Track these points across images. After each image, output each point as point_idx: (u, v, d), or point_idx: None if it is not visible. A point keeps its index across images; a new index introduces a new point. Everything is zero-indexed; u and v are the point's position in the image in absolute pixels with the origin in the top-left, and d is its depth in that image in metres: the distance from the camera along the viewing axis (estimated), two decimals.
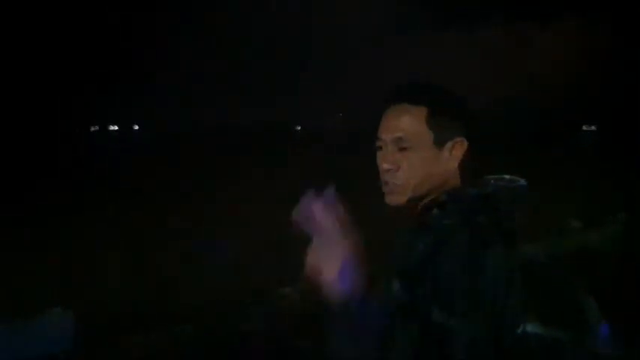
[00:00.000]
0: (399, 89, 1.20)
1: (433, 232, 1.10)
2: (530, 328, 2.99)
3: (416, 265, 1.08)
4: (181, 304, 4.85)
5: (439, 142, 1.16)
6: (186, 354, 3.87)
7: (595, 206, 8.78)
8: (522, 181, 1.19)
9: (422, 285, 1.04)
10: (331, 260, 1.07)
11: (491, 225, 1.10)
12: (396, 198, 1.18)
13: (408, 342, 1.08)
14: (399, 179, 1.17)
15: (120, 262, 6.81)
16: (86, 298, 4.89)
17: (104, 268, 6.55)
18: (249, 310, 4.45)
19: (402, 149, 1.16)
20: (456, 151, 1.16)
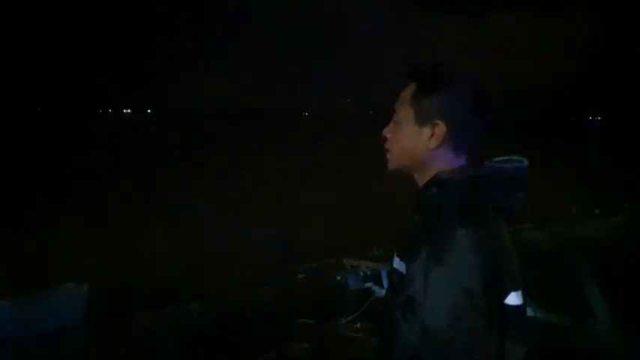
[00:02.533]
0: (410, 67, 1.26)
1: (428, 210, 1.15)
2: (534, 312, 3.04)
3: (410, 242, 1.13)
4: (190, 281, 4.93)
5: (419, 121, 1.21)
6: (194, 331, 3.94)
7: (601, 194, 8.75)
8: (524, 163, 1.20)
9: (413, 262, 1.08)
10: None
11: (485, 205, 1.14)
12: (390, 164, 1.28)
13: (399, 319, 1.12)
14: (388, 147, 1.27)
15: (131, 240, 6.91)
16: (98, 274, 4.98)
17: (116, 245, 6.64)
18: (256, 288, 4.52)
19: (394, 122, 1.26)
20: (439, 131, 1.18)
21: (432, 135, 1.19)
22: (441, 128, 1.18)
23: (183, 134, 34.17)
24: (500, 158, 1.22)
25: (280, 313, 3.92)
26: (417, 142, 1.20)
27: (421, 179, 1.22)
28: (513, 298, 1.14)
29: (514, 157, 1.22)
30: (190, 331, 3.89)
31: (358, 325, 3.20)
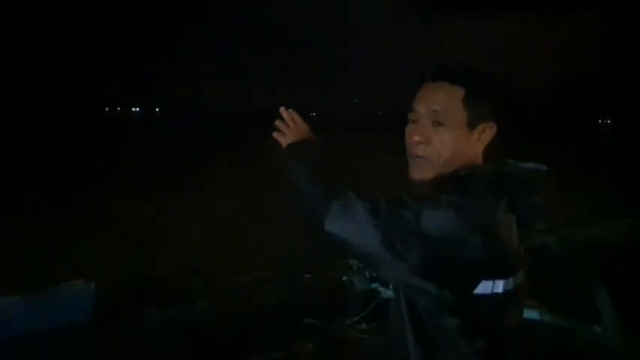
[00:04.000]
0: (440, 67, 1.20)
1: (448, 205, 1.11)
2: (542, 315, 3.02)
3: (427, 236, 1.09)
4: (198, 279, 4.94)
5: (471, 124, 1.17)
6: (200, 330, 3.95)
7: (610, 198, 8.69)
8: (544, 167, 1.20)
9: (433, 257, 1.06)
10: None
11: (503, 204, 1.12)
12: (421, 172, 1.19)
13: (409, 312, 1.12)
14: (428, 153, 1.18)
15: (139, 237, 6.94)
16: (107, 272, 5.00)
17: (124, 243, 6.68)
18: (262, 288, 4.53)
19: (436, 124, 1.17)
20: (485, 135, 1.18)
21: (480, 137, 1.17)
22: (493, 130, 1.18)
23: (192, 133, 34.34)
24: (522, 164, 1.21)
25: (286, 314, 3.92)
26: (466, 146, 1.17)
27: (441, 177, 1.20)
28: (490, 286, 1.08)
29: (530, 164, 1.21)
30: (196, 330, 3.90)
31: (364, 325, 3.19)
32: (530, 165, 1.20)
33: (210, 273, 5.14)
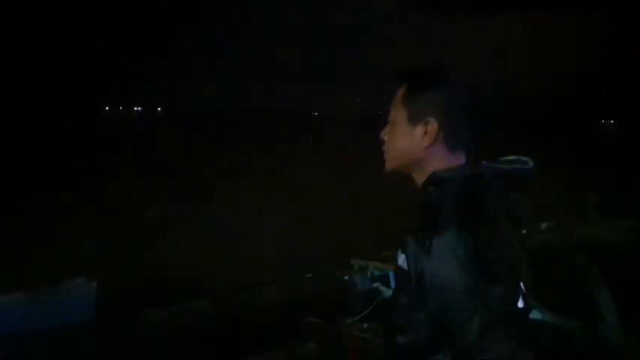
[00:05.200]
0: (400, 69, 1.28)
1: (425, 207, 1.17)
2: (542, 315, 3.02)
3: (413, 240, 1.12)
4: (199, 279, 4.95)
5: (411, 121, 1.22)
6: (202, 329, 3.96)
7: (613, 198, 8.68)
8: (529, 164, 1.21)
9: (416, 260, 1.09)
10: None
11: (481, 205, 1.13)
12: (386, 164, 1.29)
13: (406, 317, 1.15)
14: (386, 149, 1.28)
15: (141, 237, 6.96)
16: (108, 271, 5.02)
17: (126, 242, 6.70)
18: (265, 287, 4.53)
19: (389, 123, 1.27)
20: (429, 131, 1.19)
21: (425, 133, 1.19)
22: (433, 126, 1.19)
23: (193, 133, 34.37)
24: (505, 158, 1.22)
25: (288, 313, 3.92)
26: (410, 142, 1.22)
27: (419, 179, 1.23)
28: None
29: (522, 158, 1.22)
30: (198, 330, 3.90)
31: (365, 325, 3.20)
32: (511, 162, 1.21)
33: (211, 272, 5.15)
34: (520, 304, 1.14)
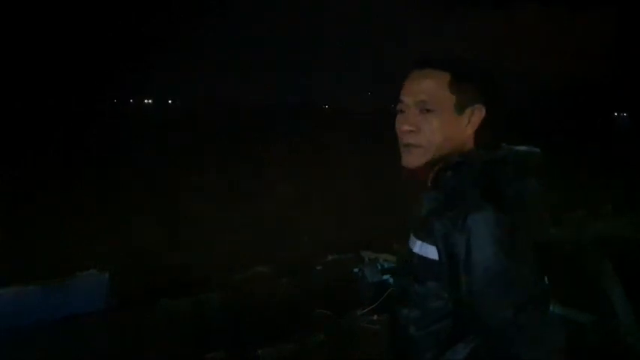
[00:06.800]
0: (424, 56, 1.22)
1: (444, 192, 1.14)
2: (555, 309, 3.00)
3: (427, 224, 1.11)
4: (211, 270, 4.97)
5: (459, 108, 1.18)
6: (212, 320, 3.98)
7: (625, 192, 8.58)
8: (536, 150, 1.21)
9: (448, 239, 1.07)
10: None
11: (498, 189, 1.10)
12: (414, 159, 1.20)
13: (415, 300, 1.14)
14: (419, 141, 1.19)
15: (153, 229, 7.00)
16: (120, 263, 5.06)
17: (138, 234, 6.74)
18: (275, 279, 4.54)
19: (424, 112, 1.18)
20: (474, 118, 1.18)
21: (469, 121, 1.18)
22: (481, 112, 1.18)
23: (205, 124, 34.46)
24: (517, 148, 1.21)
25: (299, 304, 3.93)
26: (456, 129, 1.18)
27: (438, 164, 1.20)
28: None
29: (534, 149, 1.21)
30: (209, 321, 3.93)
31: (375, 317, 3.21)
32: (523, 148, 1.21)
33: (223, 264, 5.17)
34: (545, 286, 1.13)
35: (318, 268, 4.73)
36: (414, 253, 1.14)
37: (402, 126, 1.20)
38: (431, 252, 1.11)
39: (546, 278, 1.15)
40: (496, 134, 1.21)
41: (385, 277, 3.33)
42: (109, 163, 14.96)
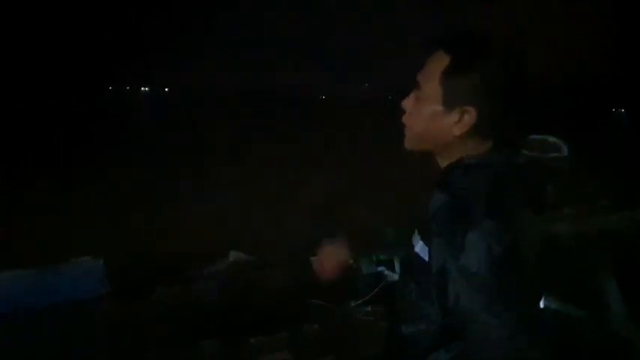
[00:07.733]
0: (436, 34, 1.10)
1: (449, 193, 1.05)
2: (549, 303, 3.00)
3: (428, 226, 1.06)
4: (206, 259, 4.97)
5: (448, 103, 1.05)
6: (206, 309, 3.98)
7: (623, 187, 8.60)
8: (563, 151, 1.09)
9: (440, 251, 1.01)
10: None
11: (512, 195, 1.02)
12: (405, 142, 1.14)
13: (414, 299, 1.11)
14: (407, 122, 1.13)
15: (149, 216, 7.00)
16: (115, 249, 5.05)
17: (134, 221, 6.74)
18: (270, 269, 4.54)
19: (416, 97, 1.11)
20: (464, 120, 1.04)
21: (459, 121, 1.04)
22: (470, 116, 1.03)
23: (201, 116, 34.41)
24: (535, 137, 1.11)
25: (293, 295, 3.93)
26: (440, 125, 1.06)
27: (443, 162, 1.11)
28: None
29: (550, 139, 1.11)
30: (204, 310, 3.93)
31: (369, 308, 3.20)
32: (544, 146, 1.10)
33: (218, 253, 5.17)
34: (541, 304, 1.10)
35: (312, 258, 4.72)
36: (415, 253, 1.11)
37: (402, 103, 1.13)
38: (428, 254, 1.07)
39: (541, 302, 1.09)
40: (506, 132, 1.07)
41: (380, 269, 3.33)
42: (102, 151, 14.93)
